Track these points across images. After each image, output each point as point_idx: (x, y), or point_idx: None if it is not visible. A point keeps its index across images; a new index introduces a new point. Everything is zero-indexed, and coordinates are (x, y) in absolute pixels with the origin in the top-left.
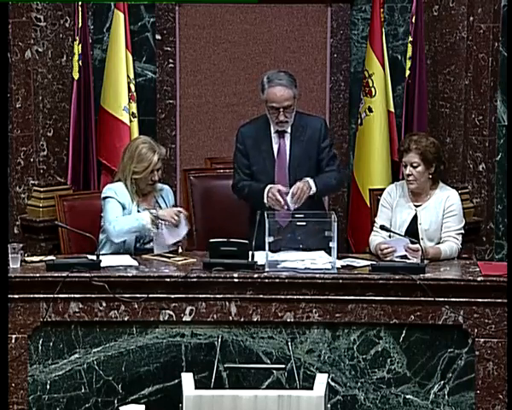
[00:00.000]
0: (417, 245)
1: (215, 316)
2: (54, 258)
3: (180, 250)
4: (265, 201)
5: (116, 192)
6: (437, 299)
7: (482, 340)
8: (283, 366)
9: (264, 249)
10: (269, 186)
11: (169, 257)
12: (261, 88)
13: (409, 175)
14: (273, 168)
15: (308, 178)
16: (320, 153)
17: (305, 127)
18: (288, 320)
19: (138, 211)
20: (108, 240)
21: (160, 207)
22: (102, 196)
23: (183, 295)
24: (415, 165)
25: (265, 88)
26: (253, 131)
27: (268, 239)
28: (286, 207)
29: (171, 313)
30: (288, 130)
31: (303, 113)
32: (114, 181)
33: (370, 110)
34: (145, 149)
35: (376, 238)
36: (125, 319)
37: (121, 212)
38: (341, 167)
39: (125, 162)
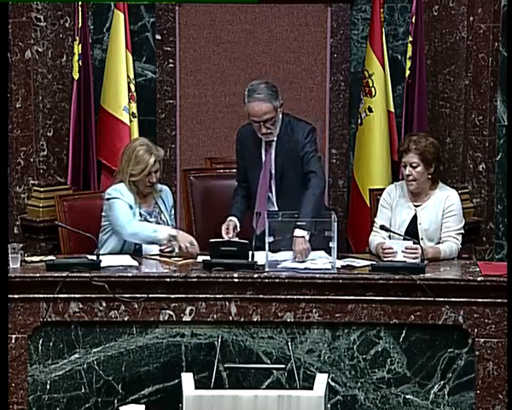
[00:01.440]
0: (415, 245)
1: (215, 316)
2: (54, 258)
3: (177, 250)
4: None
5: (122, 193)
6: (437, 299)
7: (482, 340)
8: (283, 366)
9: (264, 249)
10: (229, 218)
11: (169, 257)
12: (243, 100)
13: (408, 175)
14: (259, 175)
15: (296, 233)
16: (302, 158)
17: (291, 136)
18: (288, 320)
19: (140, 213)
20: (109, 239)
21: (159, 208)
22: (108, 196)
23: (183, 295)
24: (414, 165)
25: (245, 102)
26: (249, 134)
27: (268, 239)
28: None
29: (171, 313)
30: (275, 139)
31: (295, 118)
32: (116, 182)
33: (370, 110)
34: (142, 151)
35: (376, 238)
36: (125, 319)
37: (131, 212)
38: (322, 168)
39: (123, 164)
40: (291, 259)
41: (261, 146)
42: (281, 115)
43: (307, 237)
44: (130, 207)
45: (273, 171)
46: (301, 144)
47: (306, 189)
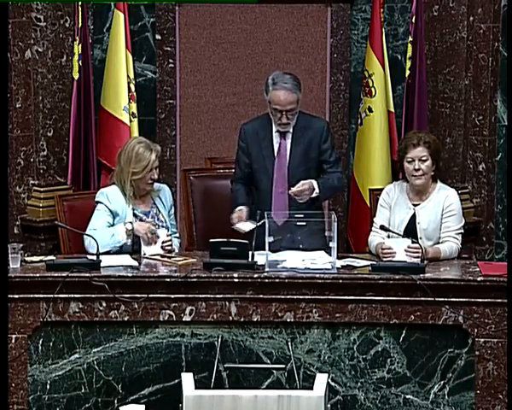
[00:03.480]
0: (417, 245)
1: (215, 316)
2: (54, 258)
3: (177, 250)
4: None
5: (108, 197)
6: (437, 299)
7: (482, 340)
8: (283, 366)
9: (264, 249)
10: (238, 208)
11: (169, 257)
12: (265, 89)
13: (417, 170)
14: (272, 167)
15: (312, 180)
16: (321, 154)
17: (307, 128)
18: (288, 320)
19: (134, 214)
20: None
21: (157, 207)
22: (96, 199)
23: (183, 295)
24: (424, 158)
25: (270, 90)
26: (255, 129)
27: (268, 239)
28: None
29: (171, 313)
30: (290, 130)
31: (306, 113)
32: (109, 184)
33: (370, 110)
34: (142, 148)
35: (375, 238)
36: (125, 319)
37: (106, 222)
38: (343, 170)
39: (122, 165)
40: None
41: (272, 138)
42: None
43: (316, 189)
44: (116, 214)
45: (287, 161)
46: (322, 138)
47: (328, 178)
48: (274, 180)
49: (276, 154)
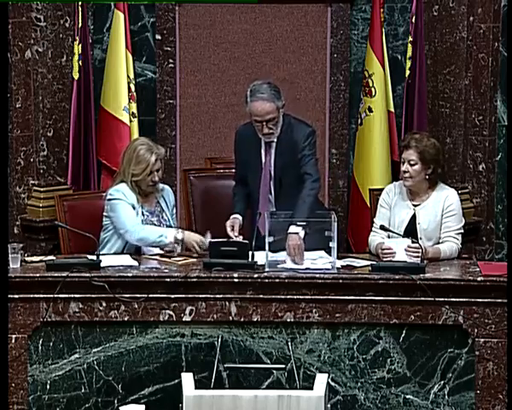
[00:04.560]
0: (417, 244)
1: (215, 316)
2: (54, 258)
3: (179, 250)
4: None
5: (124, 194)
6: (437, 299)
7: (482, 340)
8: (283, 366)
9: (264, 249)
10: (233, 216)
11: (169, 257)
12: (245, 100)
13: (405, 172)
14: (259, 177)
15: (291, 229)
16: (300, 160)
17: (291, 137)
18: (288, 320)
19: (142, 213)
20: (112, 239)
21: (160, 207)
22: (110, 197)
23: (183, 295)
24: (412, 162)
25: (248, 101)
26: (248, 134)
27: (268, 239)
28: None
29: (171, 313)
30: (275, 140)
31: (295, 118)
32: (117, 183)
33: (370, 110)
34: (143, 150)
35: (375, 238)
36: (125, 319)
37: (134, 213)
38: (318, 172)
39: (124, 165)
40: (285, 257)
41: (260, 147)
42: (281, 116)
43: (302, 235)
44: (133, 207)
45: (272, 172)
46: (300, 146)
47: (301, 190)
48: (260, 191)
49: (263, 164)
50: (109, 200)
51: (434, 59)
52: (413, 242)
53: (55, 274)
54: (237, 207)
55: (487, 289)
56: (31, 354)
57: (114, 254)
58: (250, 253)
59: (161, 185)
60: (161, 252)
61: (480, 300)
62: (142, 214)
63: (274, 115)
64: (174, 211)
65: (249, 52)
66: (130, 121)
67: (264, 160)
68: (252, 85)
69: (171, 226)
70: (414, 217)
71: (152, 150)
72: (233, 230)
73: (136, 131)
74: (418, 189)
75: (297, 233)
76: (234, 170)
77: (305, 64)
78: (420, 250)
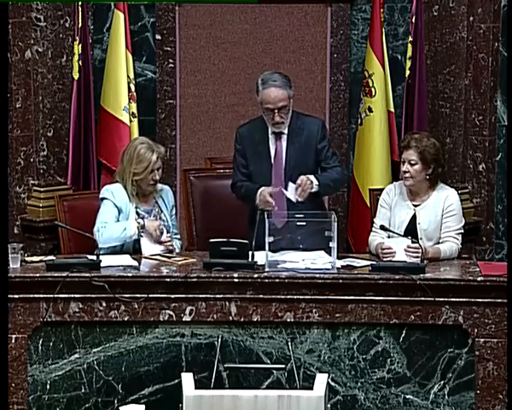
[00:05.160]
0: (417, 244)
1: (215, 316)
2: (54, 258)
3: (177, 250)
4: (257, 202)
5: (113, 194)
6: (437, 299)
7: (482, 340)
8: (283, 366)
9: (264, 249)
10: (261, 189)
11: (169, 257)
12: (256, 90)
13: (405, 172)
14: (270, 170)
15: (309, 175)
16: (318, 155)
17: (303, 129)
18: (288, 320)
19: (137, 212)
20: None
21: (159, 207)
22: (100, 196)
23: (183, 295)
24: (412, 162)
25: (260, 90)
26: (250, 132)
27: (268, 239)
28: (276, 208)
29: (171, 313)
30: (285, 131)
31: (301, 113)
32: (113, 182)
33: (370, 110)
34: (143, 149)
35: (375, 238)
36: (125, 319)
37: (114, 216)
38: (342, 164)
39: (124, 165)
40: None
41: (268, 140)
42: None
43: (315, 182)
44: (120, 211)
45: (283, 163)
46: (317, 138)
47: (327, 172)
48: (272, 184)
49: (272, 157)
50: (100, 199)
51: (434, 59)
52: (413, 242)
53: (55, 274)
54: (255, 185)
55: (487, 289)
56: (31, 354)
57: (114, 254)
58: (250, 253)
59: (160, 185)
60: (161, 252)
61: (480, 300)
62: (138, 214)
63: (286, 103)
64: (174, 211)
65: (249, 52)
66: (130, 121)
67: (273, 152)
68: (262, 75)
69: (169, 227)
70: (414, 217)
71: (153, 149)
72: (270, 194)
73: (136, 131)
74: (418, 189)
75: (308, 177)
76: (232, 173)
77: (305, 64)
78: (420, 250)
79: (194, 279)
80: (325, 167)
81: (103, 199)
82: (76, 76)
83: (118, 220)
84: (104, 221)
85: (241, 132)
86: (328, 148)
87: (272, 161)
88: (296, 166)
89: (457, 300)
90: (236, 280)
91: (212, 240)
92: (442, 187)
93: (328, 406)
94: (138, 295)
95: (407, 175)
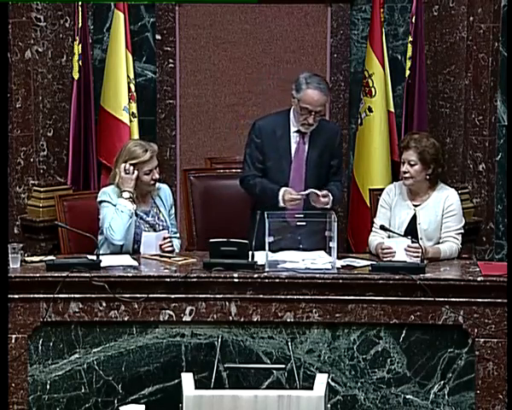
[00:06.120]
0: (417, 244)
1: (215, 316)
2: (54, 258)
3: (177, 250)
4: (281, 204)
5: (110, 195)
6: (437, 299)
7: (482, 340)
8: (283, 366)
9: (264, 249)
10: (283, 189)
11: (169, 257)
12: (296, 87)
13: (405, 172)
14: (289, 167)
15: (330, 194)
16: (332, 159)
17: (323, 132)
18: (288, 320)
19: (136, 213)
20: (107, 241)
21: (157, 207)
22: (98, 199)
23: (183, 295)
24: (412, 163)
25: (302, 88)
26: (272, 127)
27: (268, 239)
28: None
29: (171, 313)
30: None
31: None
32: (108, 185)
33: (370, 110)
34: (134, 147)
35: (375, 238)
36: (125, 319)
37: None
38: (343, 176)
39: (118, 167)
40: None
41: (289, 138)
42: None
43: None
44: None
45: (304, 162)
46: (335, 143)
47: (332, 189)
48: (290, 181)
49: (293, 154)
50: (98, 202)
51: (434, 59)
52: (413, 241)
53: (55, 274)
54: (275, 185)
55: (487, 289)
56: (31, 354)
57: (114, 254)
58: (250, 253)
59: (158, 185)
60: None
61: (480, 300)
62: (136, 215)
63: (323, 109)
64: (172, 211)
65: (249, 52)
66: (130, 121)
67: (293, 150)
68: (305, 74)
69: (168, 227)
70: (414, 217)
71: (146, 148)
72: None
73: (136, 131)
74: (418, 189)
75: (324, 195)
76: (242, 167)
77: (305, 64)
78: (420, 250)
79: (194, 279)
80: (329, 179)
81: (102, 202)
82: (76, 76)
83: None
84: (109, 221)
85: (261, 126)
86: (341, 158)
87: (292, 158)
88: (314, 168)
89: (457, 300)
90: (236, 280)
91: (212, 240)
92: (442, 187)
93: (328, 406)
94: (138, 295)
95: (407, 175)
